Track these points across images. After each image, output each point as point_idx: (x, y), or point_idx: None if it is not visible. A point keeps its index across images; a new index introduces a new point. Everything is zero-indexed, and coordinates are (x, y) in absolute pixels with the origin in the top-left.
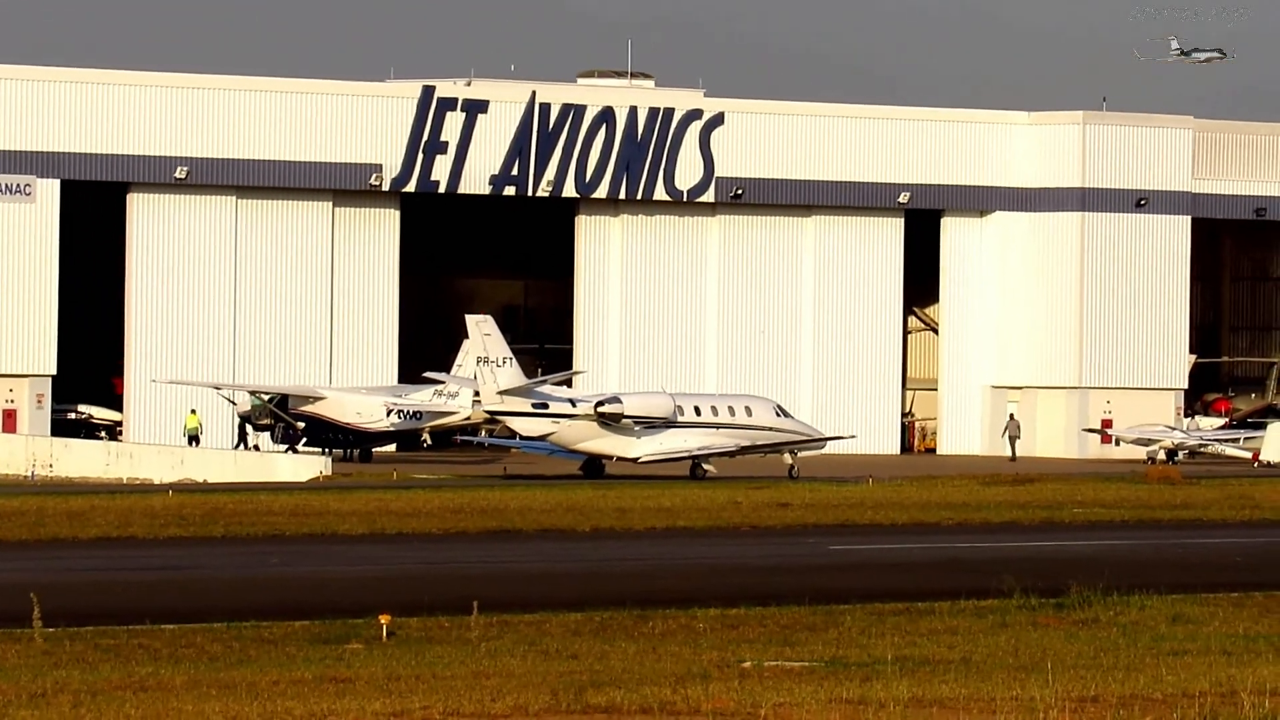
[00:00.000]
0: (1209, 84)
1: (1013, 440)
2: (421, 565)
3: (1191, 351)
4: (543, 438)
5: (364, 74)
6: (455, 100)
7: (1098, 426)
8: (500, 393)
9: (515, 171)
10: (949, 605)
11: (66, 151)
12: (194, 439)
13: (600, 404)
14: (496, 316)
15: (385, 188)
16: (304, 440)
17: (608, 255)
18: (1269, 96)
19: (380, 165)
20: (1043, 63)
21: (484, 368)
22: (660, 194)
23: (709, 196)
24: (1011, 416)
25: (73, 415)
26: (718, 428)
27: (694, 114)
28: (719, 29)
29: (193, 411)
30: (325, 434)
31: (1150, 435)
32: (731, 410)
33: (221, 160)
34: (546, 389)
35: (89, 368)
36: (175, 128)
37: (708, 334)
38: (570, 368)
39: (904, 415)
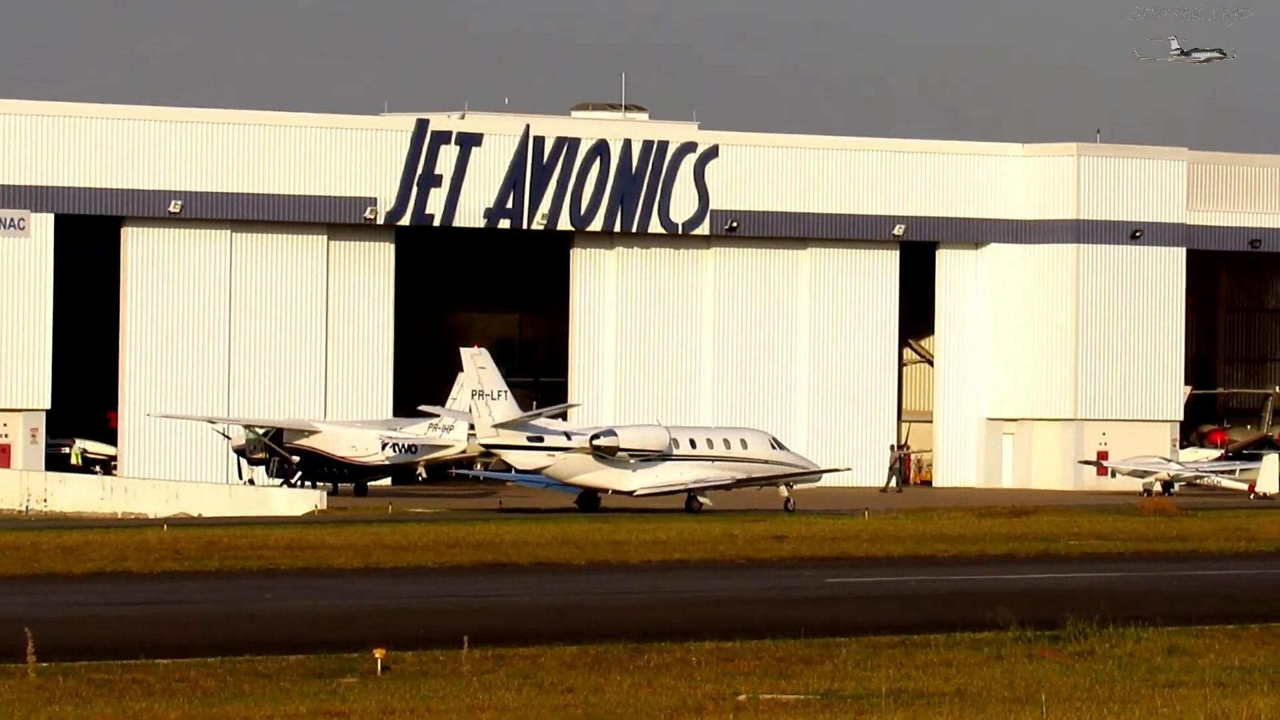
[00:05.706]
0: (1203, 113)
1: (893, 470)
2: (416, 599)
3: (1187, 383)
4: (538, 471)
5: (358, 107)
6: (449, 133)
7: (1093, 458)
8: (495, 426)
9: (510, 205)
10: (945, 638)
11: (60, 185)
12: (77, 469)
13: (595, 437)
14: (491, 349)
15: (380, 221)
16: (299, 474)
17: (603, 288)
18: (1265, 119)
19: (375, 199)
20: (1037, 94)
21: (479, 401)
22: (655, 227)
23: (704, 229)
24: (891, 447)
25: (66, 450)
26: (713, 460)
27: (688, 146)
28: (713, 61)
29: (73, 441)
30: (320, 467)
31: (1146, 467)
32: (727, 443)
33: (216, 194)
34: (541, 422)
35: (83, 402)
36: (169, 161)
37: (703, 367)
38: (565, 401)
39: (900, 447)
